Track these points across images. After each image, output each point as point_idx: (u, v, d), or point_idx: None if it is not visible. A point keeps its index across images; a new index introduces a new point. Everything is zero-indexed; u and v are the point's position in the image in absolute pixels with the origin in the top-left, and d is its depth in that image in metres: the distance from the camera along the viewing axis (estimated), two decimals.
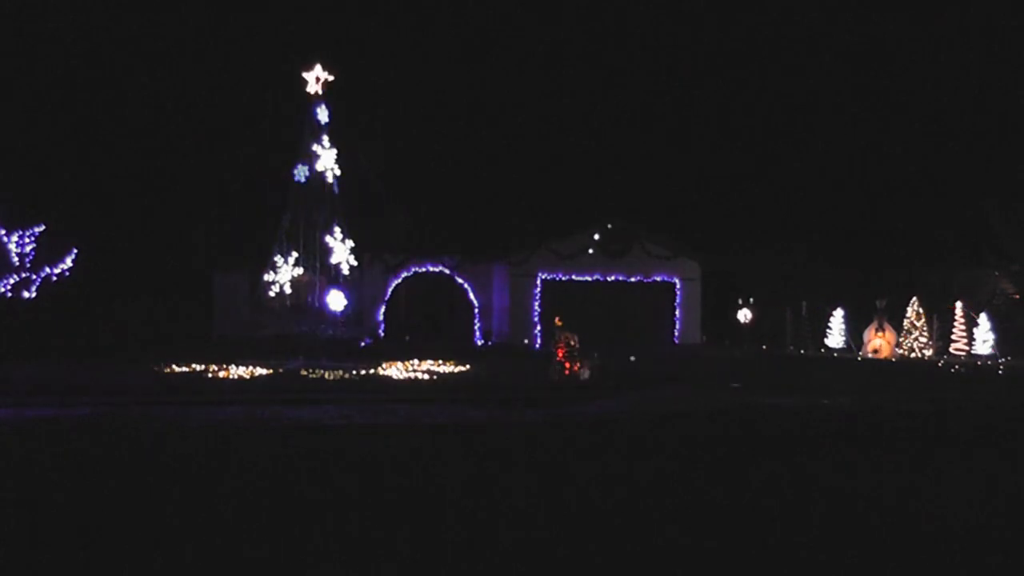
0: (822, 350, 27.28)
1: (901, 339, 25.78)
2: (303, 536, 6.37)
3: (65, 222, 28.90)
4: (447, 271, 29.25)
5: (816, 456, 9.93)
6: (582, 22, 48.75)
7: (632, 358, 21.59)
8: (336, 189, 21.54)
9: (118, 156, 34.88)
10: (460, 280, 29.40)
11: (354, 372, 17.63)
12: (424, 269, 29.18)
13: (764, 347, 28.49)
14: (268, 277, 21.31)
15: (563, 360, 17.03)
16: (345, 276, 21.28)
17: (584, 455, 9.91)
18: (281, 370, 17.91)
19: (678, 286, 30.44)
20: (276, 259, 21.21)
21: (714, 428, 12.07)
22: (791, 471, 9.02)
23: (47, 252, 27.19)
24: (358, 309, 25.33)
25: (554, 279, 29.30)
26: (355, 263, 21.99)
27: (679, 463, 9.44)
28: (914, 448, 10.62)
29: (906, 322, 25.84)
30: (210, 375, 16.92)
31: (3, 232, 26.17)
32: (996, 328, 25.10)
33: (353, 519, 6.85)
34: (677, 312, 30.48)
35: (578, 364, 17.01)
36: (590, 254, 29.40)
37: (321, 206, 21.16)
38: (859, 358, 24.83)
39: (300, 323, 21.19)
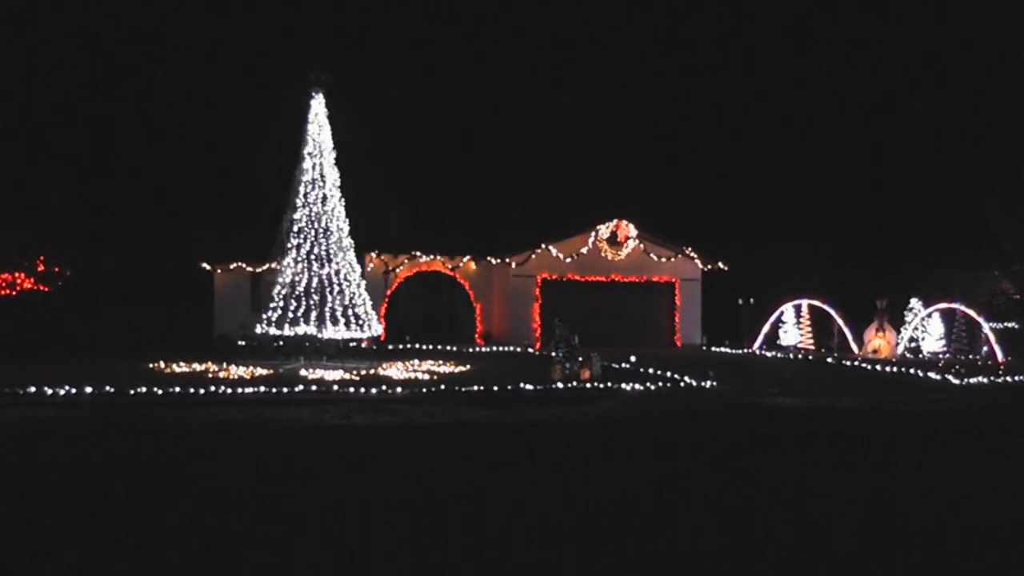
0: (822, 350, 27.27)
1: (900, 339, 25.77)
2: (302, 537, 6.36)
3: (66, 222, 28.95)
4: (447, 271, 29.25)
5: (814, 456, 9.93)
6: (583, 22, 48.74)
7: (632, 358, 21.58)
8: (336, 189, 21.54)
9: (119, 156, 34.91)
10: (460, 280, 29.41)
11: (354, 372, 17.62)
12: (424, 269, 29.18)
13: (765, 347, 28.49)
14: (268, 277, 21.32)
15: (563, 360, 17.03)
16: (345, 276, 21.28)
17: (584, 455, 9.90)
18: (281, 370, 17.91)
19: (678, 286, 30.42)
20: (276, 259, 21.21)
21: (714, 428, 12.06)
22: (789, 471, 9.02)
23: (48, 251, 27.23)
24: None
25: (554, 279, 29.28)
26: (355, 263, 22.00)
27: (680, 463, 9.44)
28: (914, 449, 10.62)
29: (907, 324, 25.82)
30: (210, 375, 16.91)
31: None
32: (996, 328, 25.08)
33: (353, 520, 6.85)
34: (677, 312, 30.46)
35: (578, 364, 17.01)
36: (590, 254, 29.39)
37: (321, 206, 21.15)
38: (859, 358, 24.82)
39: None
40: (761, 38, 48.31)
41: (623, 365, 20.07)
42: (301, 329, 20.39)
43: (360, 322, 20.90)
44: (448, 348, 25.99)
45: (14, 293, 26.04)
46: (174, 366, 18.30)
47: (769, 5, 49.18)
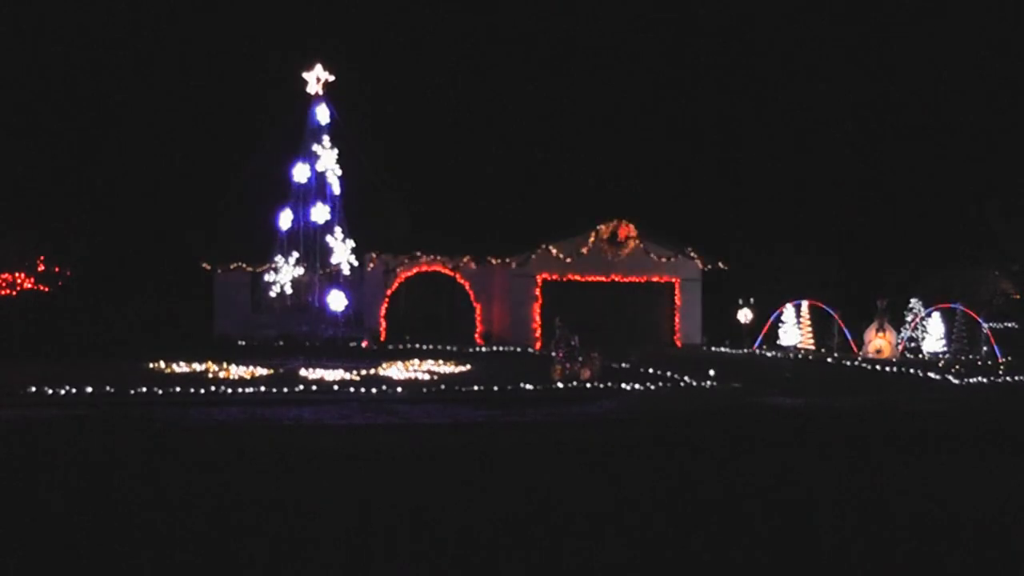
0: (822, 350, 27.28)
1: (900, 339, 25.76)
2: (301, 537, 6.36)
3: (66, 221, 28.94)
4: (447, 271, 29.25)
5: (814, 456, 9.93)
6: (583, 22, 48.77)
7: (632, 358, 21.57)
8: (336, 189, 21.51)
9: (119, 156, 34.91)
10: (460, 280, 29.39)
11: (354, 372, 17.62)
12: (424, 269, 29.17)
13: (765, 347, 28.50)
14: (268, 277, 21.30)
15: (563, 360, 17.02)
16: (345, 276, 21.26)
17: (584, 455, 9.90)
18: (281, 370, 17.90)
19: (678, 286, 30.41)
20: (276, 259, 21.19)
21: (714, 428, 12.06)
22: (789, 471, 9.02)
23: (48, 251, 27.23)
24: (358, 309, 25.30)
25: (554, 279, 29.27)
26: (355, 263, 21.97)
27: (680, 463, 9.44)
28: (914, 450, 10.62)
29: (907, 324, 25.81)
30: (210, 375, 16.91)
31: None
32: (996, 328, 25.10)
33: (353, 521, 6.85)
34: (677, 312, 30.45)
35: (578, 364, 17.01)
36: (590, 254, 29.38)
37: (321, 206, 21.14)
38: (859, 358, 24.83)
39: (300, 323, 21.19)
40: (761, 38, 48.34)
41: (623, 365, 20.06)
42: (301, 329, 20.39)
43: (359, 322, 20.85)
44: (448, 348, 25.97)
45: (14, 293, 26.05)
46: (174, 366, 18.29)
47: (769, 5, 49.20)
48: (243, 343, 24.32)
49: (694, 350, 28.34)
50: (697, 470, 9.07)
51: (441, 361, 20.79)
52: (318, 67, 21.55)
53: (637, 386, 16.21)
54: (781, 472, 8.97)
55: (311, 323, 20.92)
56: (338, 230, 21.28)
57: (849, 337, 26.68)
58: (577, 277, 29.42)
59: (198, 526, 6.61)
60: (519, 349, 26.86)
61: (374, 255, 27.96)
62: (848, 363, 22.81)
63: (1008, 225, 29.92)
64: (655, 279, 30.24)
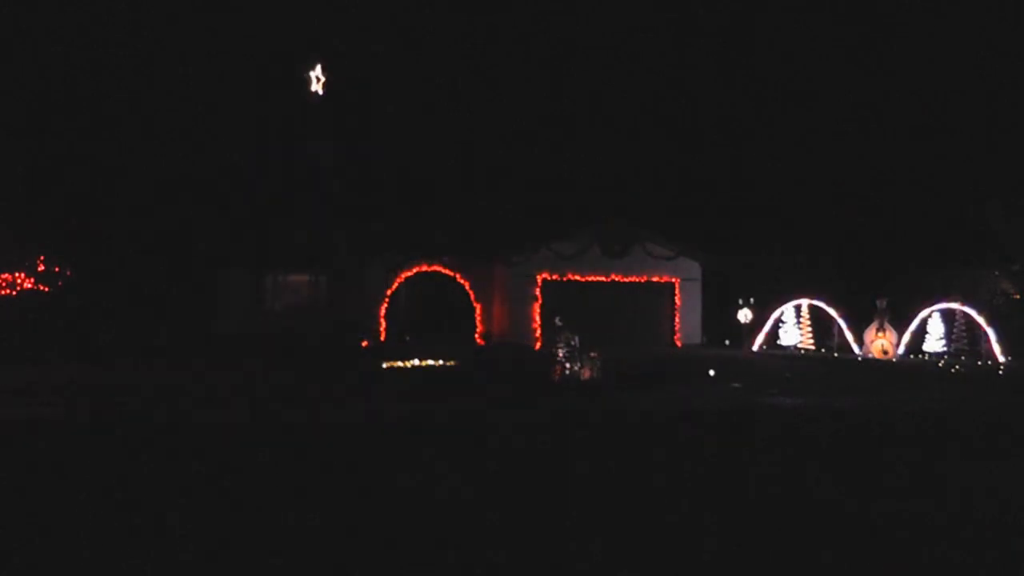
0: (822, 350, 27.29)
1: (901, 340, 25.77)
2: (301, 537, 6.37)
3: (66, 221, 28.94)
4: (447, 271, 29.27)
5: (815, 456, 9.94)
6: (583, 21, 48.76)
7: (633, 358, 21.58)
8: (336, 189, 21.58)
9: (119, 153, 34.90)
10: (460, 280, 29.42)
11: (355, 372, 17.64)
12: (424, 269, 29.19)
13: (765, 347, 28.51)
14: (269, 277, 21.38)
15: (563, 360, 17.03)
16: (345, 276, 21.32)
17: (584, 455, 9.91)
18: (282, 370, 17.92)
19: (678, 286, 30.43)
20: (278, 258, 21.26)
21: (714, 427, 12.06)
22: (789, 471, 9.02)
23: (48, 251, 27.24)
24: (358, 309, 25.32)
25: (554, 279, 29.29)
26: (355, 263, 22.05)
27: (680, 462, 9.44)
28: (914, 450, 10.62)
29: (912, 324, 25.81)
30: (210, 375, 16.92)
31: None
32: (997, 329, 25.07)
33: (352, 520, 6.85)
34: (677, 312, 30.47)
35: (578, 364, 17.02)
36: (590, 254, 29.40)
37: (322, 205, 21.19)
38: (860, 358, 24.84)
39: (301, 323, 21.24)
40: (759, 37, 48.35)
41: (623, 365, 20.07)
42: (302, 328, 20.46)
43: (360, 322, 20.89)
44: (448, 348, 25.98)
45: (14, 293, 26.06)
46: (174, 366, 18.31)
47: (767, 5, 49.20)
48: (244, 343, 24.30)
49: (694, 350, 28.35)
50: (696, 470, 9.07)
51: (441, 361, 20.81)
52: (318, 67, 21.63)
53: (637, 386, 16.22)
54: (780, 472, 8.98)
55: (311, 323, 20.97)
56: (338, 230, 21.37)
57: (849, 337, 26.68)
58: (577, 277, 29.45)
59: (197, 526, 6.61)
60: (519, 349, 26.87)
61: (374, 255, 27.99)
62: (848, 363, 22.81)
63: (1008, 225, 29.89)
64: (655, 279, 30.26)
